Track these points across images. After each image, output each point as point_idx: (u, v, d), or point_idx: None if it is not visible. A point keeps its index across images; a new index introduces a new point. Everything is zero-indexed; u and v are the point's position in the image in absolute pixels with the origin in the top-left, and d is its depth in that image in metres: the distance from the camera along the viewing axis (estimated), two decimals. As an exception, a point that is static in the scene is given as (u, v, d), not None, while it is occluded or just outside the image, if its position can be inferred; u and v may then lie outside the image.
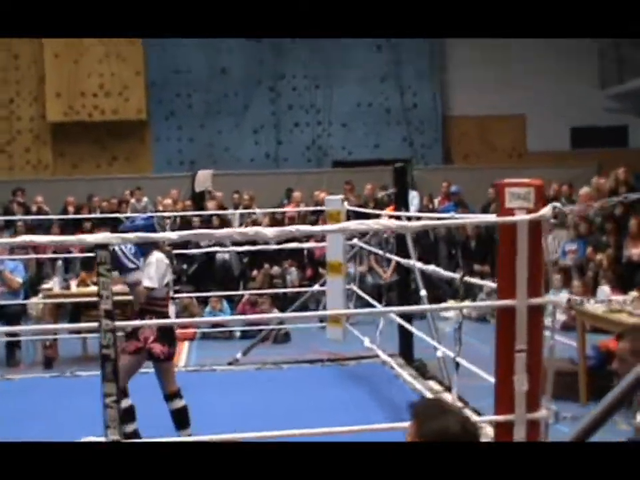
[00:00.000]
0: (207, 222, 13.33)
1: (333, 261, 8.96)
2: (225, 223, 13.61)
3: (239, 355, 9.33)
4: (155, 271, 5.69)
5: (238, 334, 10.97)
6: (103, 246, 3.71)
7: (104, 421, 3.87)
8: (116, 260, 5.70)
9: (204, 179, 16.08)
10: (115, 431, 3.85)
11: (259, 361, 9.26)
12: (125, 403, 5.52)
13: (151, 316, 5.73)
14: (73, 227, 13.34)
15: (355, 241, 9.47)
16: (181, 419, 5.84)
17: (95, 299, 8.76)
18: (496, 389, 4.20)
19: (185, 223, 13.37)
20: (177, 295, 10.82)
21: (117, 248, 5.62)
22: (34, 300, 9.60)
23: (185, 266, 12.80)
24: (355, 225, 4.15)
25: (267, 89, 19.11)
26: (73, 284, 10.03)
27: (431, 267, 6.17)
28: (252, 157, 19.04)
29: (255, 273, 13.13)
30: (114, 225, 12.52)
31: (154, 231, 5.41)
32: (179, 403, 5.85)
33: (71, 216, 12.86)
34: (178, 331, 10.81)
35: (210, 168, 16.97)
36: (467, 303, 10.22)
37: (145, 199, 14.98)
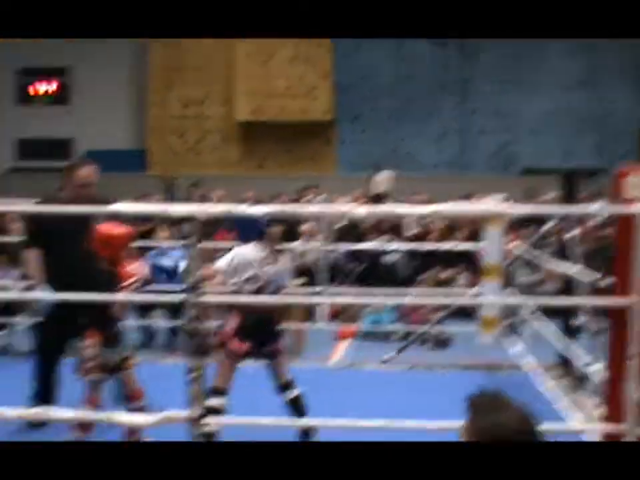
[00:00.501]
0: (377, 224, 13.25)
1: (490, 264, 8.63)
2: (396, 225, 13.48)
3: (390, 355, 9.17)
4: (227, 260, 5.61)
5: (399, 335, 10.77)
6: (188, 219, 3.69)
7: (187, 397, 3.81)
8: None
9: (383, 181, 15.98)
10: (198, 408, 3.78)
11: (411, 363, 9.07)
12: (218, 402, 5.38)
13: (236, 311, 5.59)
14: (248, 222, 13.65)
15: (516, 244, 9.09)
16: (296, 408, 5.71)
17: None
18: (605, 396, 3.84)
19: (354, 225, 13.36)
20: (334, 292, 10.78)
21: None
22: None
23: (353, 265, 12.75)
24: (447, 208, 3.90)
25: (452, 94, 18.81)
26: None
27: (574, 269, 5.76)
28: (435, 163, 18.80)
29: (424, 276, 12.90)
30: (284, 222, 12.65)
31: (259, 225, 5.43)
32: (292, 393, 5.72)
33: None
34: (340, 329, 10.86)
35: (392, 172, 16.88)
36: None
37: (321, 197, 15.05)
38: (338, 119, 18.63)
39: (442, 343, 10.51)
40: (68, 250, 5.68)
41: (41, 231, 5.83)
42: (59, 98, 19.54)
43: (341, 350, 10.37)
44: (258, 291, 5.65)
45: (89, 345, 5.42)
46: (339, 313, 11.34)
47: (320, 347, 10.10)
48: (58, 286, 5.49)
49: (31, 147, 19.43)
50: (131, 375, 5.58)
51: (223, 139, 18.77)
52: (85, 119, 18.76)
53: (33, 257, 5.85)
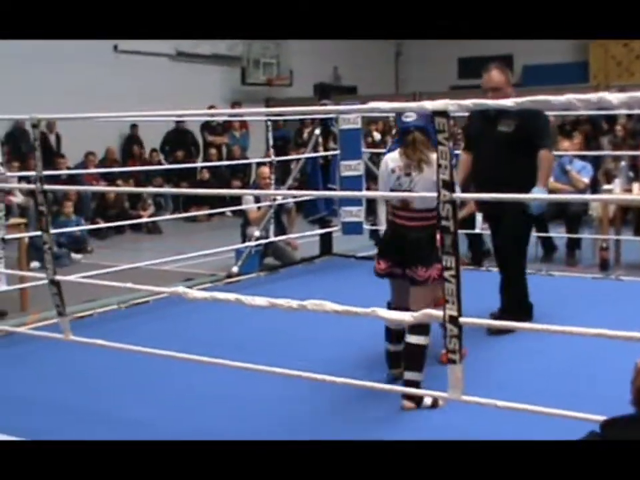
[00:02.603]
0: None
1: None
2: None
3: None
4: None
5: None
6: (441, 113, 3.50)
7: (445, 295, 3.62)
8: None
9: None
10: (454, 307, 3.61)
11: None
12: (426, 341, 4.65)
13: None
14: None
15: None
16: (406, 358, 4.73)
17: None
18: None
19: None
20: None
21: None
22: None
23: None
24: None
25: None
26: (636, 186, 9.40)
27: None
28: None
29: None
30: None
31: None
32: (414, 339, 4.65)
33: None
34: None
35: None
36: None
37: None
38: None
39: None
40: (481, 152, 6.14)
41: (466, 135, 6.76)
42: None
43: None
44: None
45: None
46: None
47: None
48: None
49: (471, 65, 19.63)
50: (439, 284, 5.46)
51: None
52: (525, 34, 18.44)
53: (463, 159, 6.30)
